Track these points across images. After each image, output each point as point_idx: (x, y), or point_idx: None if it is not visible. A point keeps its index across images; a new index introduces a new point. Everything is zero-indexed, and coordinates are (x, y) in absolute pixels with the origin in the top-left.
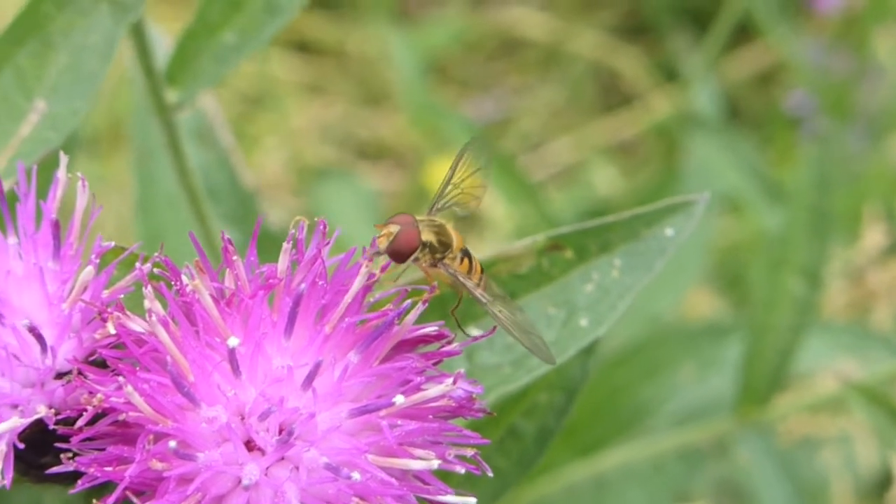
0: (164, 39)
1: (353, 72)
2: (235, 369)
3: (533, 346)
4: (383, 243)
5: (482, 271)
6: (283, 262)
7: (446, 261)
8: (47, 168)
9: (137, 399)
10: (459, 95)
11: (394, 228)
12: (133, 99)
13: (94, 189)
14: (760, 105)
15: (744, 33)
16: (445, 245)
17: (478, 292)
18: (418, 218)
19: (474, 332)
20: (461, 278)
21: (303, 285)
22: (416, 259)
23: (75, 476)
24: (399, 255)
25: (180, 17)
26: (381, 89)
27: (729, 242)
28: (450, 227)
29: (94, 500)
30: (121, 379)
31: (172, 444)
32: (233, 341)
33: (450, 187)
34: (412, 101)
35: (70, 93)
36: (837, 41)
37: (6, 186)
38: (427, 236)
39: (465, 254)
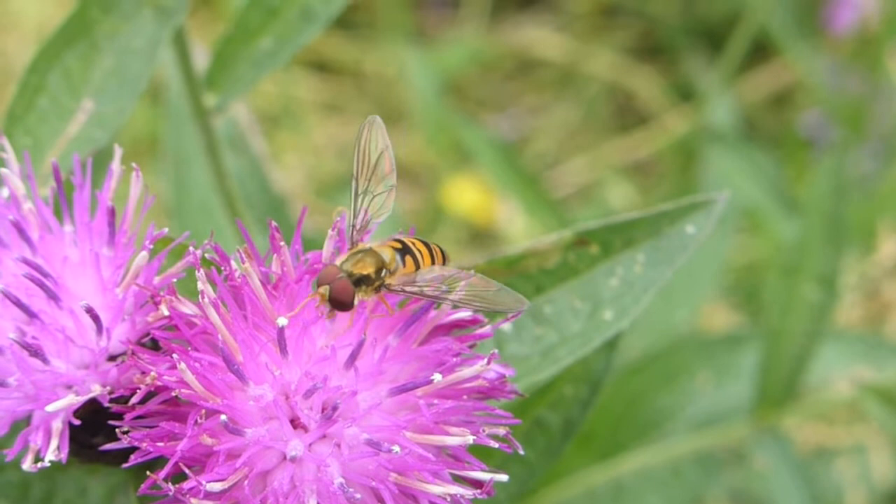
0: (197, 45)
1: (370, 91)
2: (283, 349)
3: (501, 304)
4: (325, 306)
5: (429, 250)
6: (327, 248)
7: (388, 281)
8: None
9: (190, 377)
10: (476, 115)
11: (324, 290)
12: (167, 105)
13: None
14: (775, 126)
15: (758, 55)
16: (379, 267)
17: (429, 290)
18: (340, 261)
19: (503, 325)
20: (409, 289)
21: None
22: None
23: (124, 456)
24: (343, 305)
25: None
26: (397, 109)
27: (745, 261)
28: (376, 246)
29: (148, 472)
30: (175, 357)
31: (223, 418)
32: (282, 321)
33: (359, 199)
34: (429, 121)
35: (116, 94)
36: (852, 62)
37: None
38: (358, 270)
39: (403, 252)
